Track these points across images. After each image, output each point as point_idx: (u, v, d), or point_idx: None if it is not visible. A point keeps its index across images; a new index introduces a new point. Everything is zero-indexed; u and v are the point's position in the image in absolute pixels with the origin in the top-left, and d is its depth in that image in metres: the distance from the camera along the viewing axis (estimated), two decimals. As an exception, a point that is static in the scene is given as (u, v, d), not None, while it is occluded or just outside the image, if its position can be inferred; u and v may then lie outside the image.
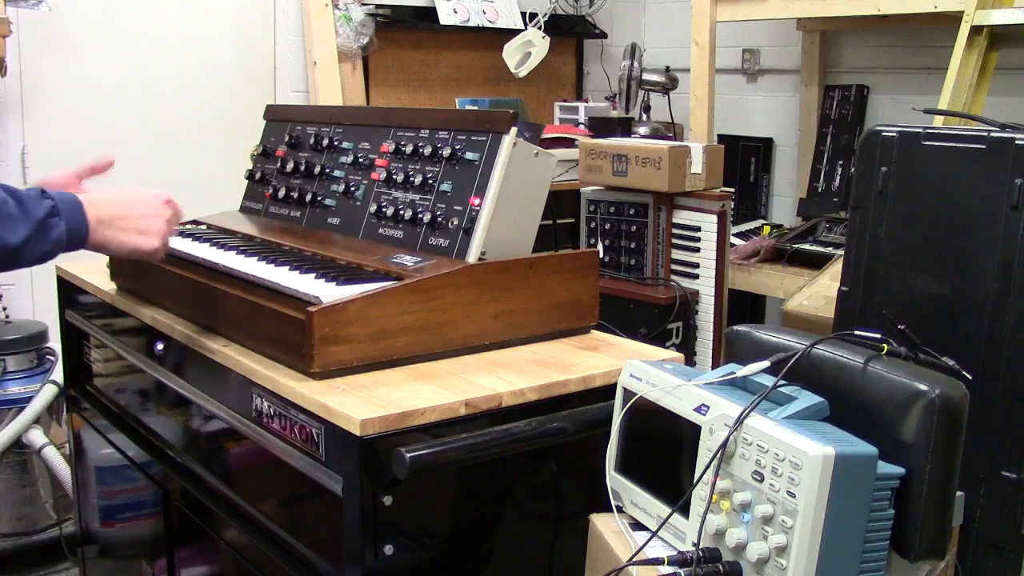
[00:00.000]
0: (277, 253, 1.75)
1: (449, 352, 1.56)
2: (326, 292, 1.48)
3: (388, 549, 1.34)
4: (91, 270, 2.10)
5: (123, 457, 2.11)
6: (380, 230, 1.77)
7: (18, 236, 1.29)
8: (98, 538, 2.40)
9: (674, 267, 2.96)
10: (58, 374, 2.66)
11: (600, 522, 1.36)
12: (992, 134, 1.67)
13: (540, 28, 4.23)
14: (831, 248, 3.03)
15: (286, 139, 2.07)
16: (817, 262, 2.96)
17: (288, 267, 1.64)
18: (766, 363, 1.26)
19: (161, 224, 1.50)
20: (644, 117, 3.99)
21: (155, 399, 1.94)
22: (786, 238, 3.24)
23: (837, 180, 3.63)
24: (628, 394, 1.33)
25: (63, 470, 2.82)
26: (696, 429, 1.20)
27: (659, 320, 2.83)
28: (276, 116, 2.18)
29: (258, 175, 2.12)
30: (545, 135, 3.85)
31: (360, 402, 1.35)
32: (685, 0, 3.71)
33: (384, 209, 1.76)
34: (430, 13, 4.12)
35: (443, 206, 1.67)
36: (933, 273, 1.74)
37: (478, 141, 1.67)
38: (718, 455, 1.15)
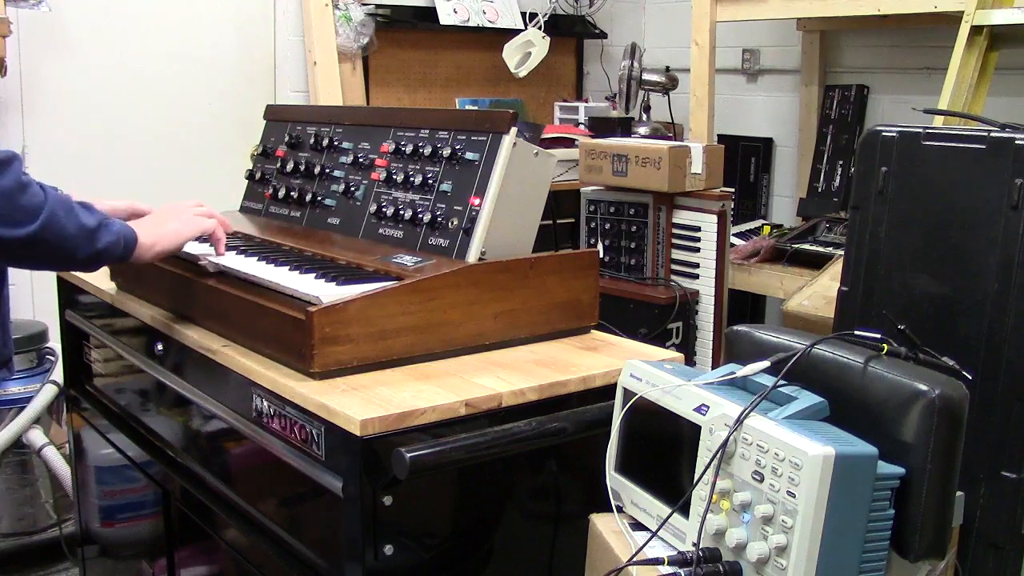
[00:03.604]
0: (277, 253, 1.75)
1: (449, 352, 1.56)
2: (326, 292, 1.48)
3: (388, 549, 1.34)
4: (91, 270, 2.10)
5: (123, 457, 2.11)
6: (380, 230, 1.77)
7: (92, 220, 1.48)
8: (98, 538, 2.40)
9: (674, 267, 2.96)
10: (58, 374, 2.65)
11: (600, 522, 1.36)
12: (992, 134, 1.67)
13: (540, 28, 4.23)
14: (831, 248, 3.03)
15: (286, 139, 2.07)
16: (817, 262, 2.96)
17: (288, 267, 1.64)
18: (766, 363, 1.26)
19: (191, 213, 1.69)
20: (644, 117, 3.99)
21: (155, 399, 1.94)
22: (786, 238, 3.24)
23: (837, 180, 3.63)
24: (628, 394, 1.33)
25: (63, 470, 2.82)
26: (696, 429, 1.20)
27: (659, 320, 2.83)
28: (276, 116, 2.18)
29: (258, 175, 2.12)
30: (545, 135, 3.85)
31: (360, 402, 1.35)
32: (685, 0, 3.71)
33: (384, 209, 1.76)
34: (430, 13, 4.12)
35: (443, 206, 1.67)
36: (933, 273, 1.74)
37: (478, 141, 1.67)
38: (718, 455, 1.15)
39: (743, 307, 3.53)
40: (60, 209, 1.43)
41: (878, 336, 1.29)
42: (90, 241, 1.47)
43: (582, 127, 4.14)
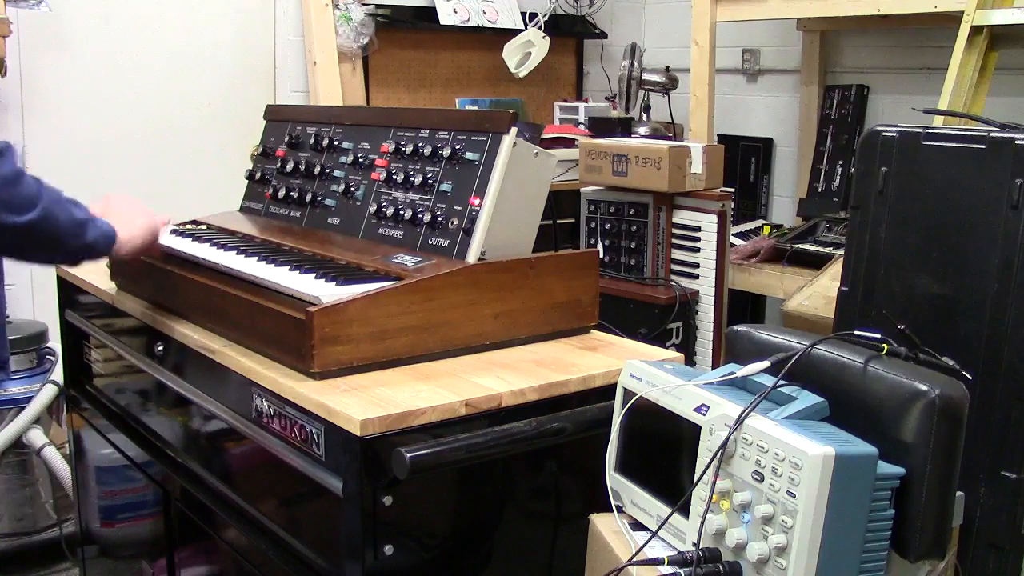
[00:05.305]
0: (277, 253, 1.75)
1: (449, 352, 1.56)
2: (326, 292, 1.48)
3: (388, 549, 1.34)
4: (91, 270, 2.10)
5: (123, 457, 2.11)
6: (380, 230, 1.77)
7: (81, 214, 1.53)
8: (98, 538, 2.40)
9: (674, 267, 2.96)
10: (58, 374, 2.65)
11: (600, 522, 1.36)
12: (992, 134, 1.67)
13: (540, 28, 4.23)
14: (831, 248, 3.03)
15: (286, 139, 2.07)
16: (817, 262, 2.96)
17: (288, 267, 1.64)
18: (766, 363, 1.26)
19: (148, 213, 1.72)
20: (644, 117, 3.99)
21: (155, 399, 1.94)
22: (786, 238, 3.24)
23: (837, 180, 3.63)
24: (628, 394, 1.33)
25: (63, 470, 2.82)
26: (696, 429, 1.20)
27: (659, 320, 2.83)
28: (276, 116, 2.18)
29: (258, 175, 2.12)
30: (545, 135, 3.85)
31: (360, 402, 1.35)
32: (685, 0, 3.71)
33: (384, 209, 1.76)
34: (430, 13, 4.12)
35: (443, 206, 1.67)
36: (933, 273, 1.74)
37: (478, 141, 1.67)
38: (718, 455, 1.15)
39: (743, 307, 3.53)
40: (53, 200, 1.48)
41: (878, 336, 1.29)
42: (78, 235, 1.51)
43: (582, 127, 4.13)
